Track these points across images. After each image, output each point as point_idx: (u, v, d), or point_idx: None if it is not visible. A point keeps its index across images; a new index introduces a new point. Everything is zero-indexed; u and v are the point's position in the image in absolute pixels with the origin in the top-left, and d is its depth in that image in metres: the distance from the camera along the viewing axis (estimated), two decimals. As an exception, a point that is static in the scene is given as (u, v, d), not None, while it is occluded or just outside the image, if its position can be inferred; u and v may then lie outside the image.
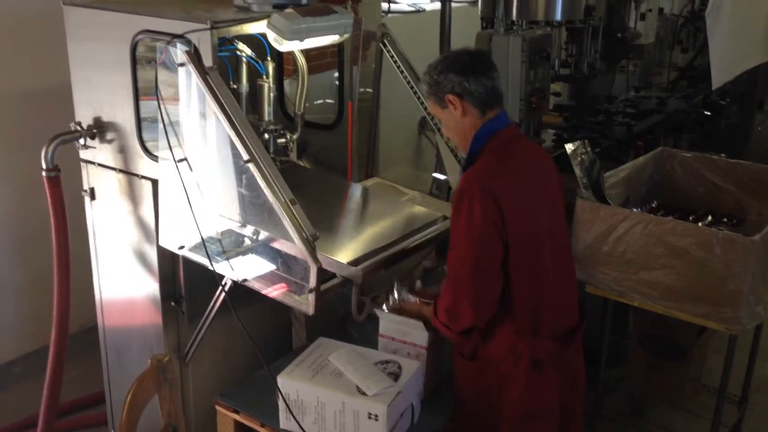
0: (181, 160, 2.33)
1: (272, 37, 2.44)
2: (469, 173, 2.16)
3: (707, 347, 3.38)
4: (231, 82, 2.63)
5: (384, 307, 2.48)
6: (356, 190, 2.96)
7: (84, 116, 2.66)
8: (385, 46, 2.95)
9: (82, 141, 2.65)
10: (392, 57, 2.93)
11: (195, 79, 2.24)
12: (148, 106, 2.49)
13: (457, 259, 2.15)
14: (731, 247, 2.46)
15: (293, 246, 2.15)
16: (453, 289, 2.18)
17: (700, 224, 2.90)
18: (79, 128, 2.64)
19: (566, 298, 2.33)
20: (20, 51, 3.45)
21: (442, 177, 3.13)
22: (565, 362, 2.29)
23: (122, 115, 2.55)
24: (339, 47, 2.95)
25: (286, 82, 3.20)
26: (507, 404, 2.24)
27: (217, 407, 2.47)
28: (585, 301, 2.45)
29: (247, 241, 2.39)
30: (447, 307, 2.20)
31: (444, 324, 2.23)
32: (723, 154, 3.23)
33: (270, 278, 2.29)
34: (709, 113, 4.48)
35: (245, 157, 2.16)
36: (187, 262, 2.46)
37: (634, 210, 2.88)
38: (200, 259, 2.37)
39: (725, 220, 3.03)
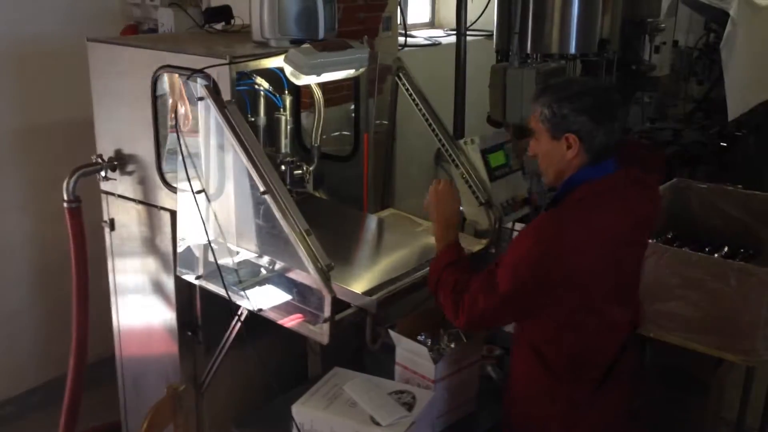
0: (199, 192, 2.37)
1: (289, 71, 2.49)
2: (548, 220, 2.07)
3: (725, 379, 3.34)
4: (249, 115, 2.67)
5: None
6: (372, 221, 2.98)
7: (105, 149, 2.71)
8: (400, 79, 2.98)
9: (103, 173, 2.70)
10: (407, 90, 2.97)
11: (214, 112, 2.28)
12: (167, 139, 2.54)
13: (492, 281, 2.07)
14: (747, 279, 2.46)
15: (308, 276, 2.17)
16: (468, 302, 2.11)
17: (716, 255, 2.90)
18: (100, 160, 2.69)
19: (613, 340, 2.20)
20: (44, 85, 3.53)
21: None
22: (604, 400, 2.18)
23: (142, 147, 2.60)
24: (355, 80, 2.99)
25: (303, 115, 3.24)
26: None
27: (233, 437, 2.48)
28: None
29: (263, 272, 2.41)
30: (451, 293, 2.15)
31: (437, 281, 2.19)
32: (739, 186, 3.23)
33: (285, 308, 2.31)
34: (725, 144, 4.49)
35: (262, 188, 2.19)
36: (204, 292, 2.49)
37: (650, 241, 2.88)
38: (217, 289, 2.39)
39: (741, 251, 3.02)
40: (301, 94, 3.16)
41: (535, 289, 2.02)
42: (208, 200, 2.39)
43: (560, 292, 2.02)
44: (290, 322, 2.27)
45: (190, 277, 2.49)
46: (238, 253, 2.38)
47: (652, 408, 3.40)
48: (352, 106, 3.12)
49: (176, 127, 2.37)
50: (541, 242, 2.01)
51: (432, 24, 6.27)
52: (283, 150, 2.76)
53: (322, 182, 2.99)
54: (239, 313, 2.42)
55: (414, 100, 2.97)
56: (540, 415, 2.17)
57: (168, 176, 2.56)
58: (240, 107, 2.35)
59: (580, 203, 2.08)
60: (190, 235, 2.43)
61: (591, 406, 2.17)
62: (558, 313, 2.06)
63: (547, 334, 2.09)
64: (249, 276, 2.43)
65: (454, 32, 4.05)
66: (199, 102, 2.31)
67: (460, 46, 3.92)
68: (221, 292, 2.36)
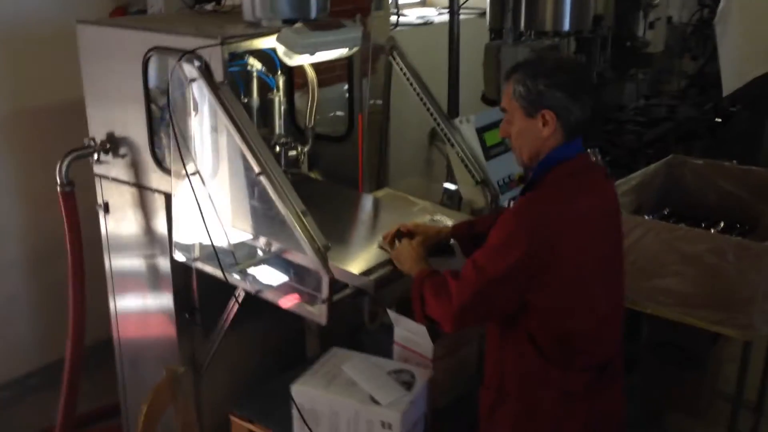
0: (193, 174, 2.36)
1: (282, 51, 2.47)
2: (527, 205, 2.03)
3: (722, 354, 3.37)
4: (242, 97, 2.65)
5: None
6: (367, 201, 2.98)
7: (97, 132, 2.69)
8: (394, 58, 2.97)
9: (95, 156, 2.68)
10: (401, 69, 2.95)
11: (206, 94, 2.27)
12: (160, 121, 2.52)
13: (477, 267, 2.02)
14: (744, 254, 2.46)
15: (305, 257, 2.16)
16: (456, 288, 2.04)
17: (712, 231, 2.90)
18: (92, 143, 2.67)
19: (606, 333, 2.16)
20: (35, 68, 3.50)
21: (452, 187, 3.14)
22: (598, 393, 2.12)
23: (135, 130, 2.58)
24: (348, 60, 2.98)
25: (297, 96, 3.23)
26: None
27: (232, 418, 2.48)
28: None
29: (260, 253, 2.41)
30: (437, 290, 2.08)
31: (422, 297, 2.12)
32: (734, 161, 3.23)
33: (283, 289, 2.30)
34: (720, 120, 4.48)
35: (257, 169, 2.18)
36: (201, 274, 2.48)
37: (646, 218, 2.88)
38: (214, 270, 2.39)
39: (738, 226, 3.02)
40: (294, 74, 3.14)
41: (522, 274, 1.97)
42: (203, 182, 2.38)
43: (547, 275, 1.98)
44: (288, 303, 2.27)
45: (186, 260, 2.48)
46: (234, 234, 2.38)
47: (649, 383, 3.43)
48: (346, 86, 3.10)
49: (169, 109, 2.35)
50: (524, 227, 1.96)
51: (423, 2, 6.22)
52: (277, 131, 2.74)
53: (316, 163, 2.98)
54: (236, 294, 2.41)
55: (408, 79, 2.96)
56: (532, 403, 2.10)
57: (161, 158, 2.55)
58: (233, 88, 2.34)
59: (558, 184, 2.04)
60: (186, 217, 2.43)
61: (584, 399, 2.10)
62: (546, 295, 2.01)
63: (538, 318, 2.03)
64: (245, 258, 2.42)
65: (447, 11, 4.02)
66: (191, 83, 2.29)
67: (453, 25, 3.88)
68: (218, 274, 2.35)
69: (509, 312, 2.04)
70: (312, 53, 2.52)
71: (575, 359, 2.07)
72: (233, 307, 2.47)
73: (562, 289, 2.01)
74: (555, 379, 2.06)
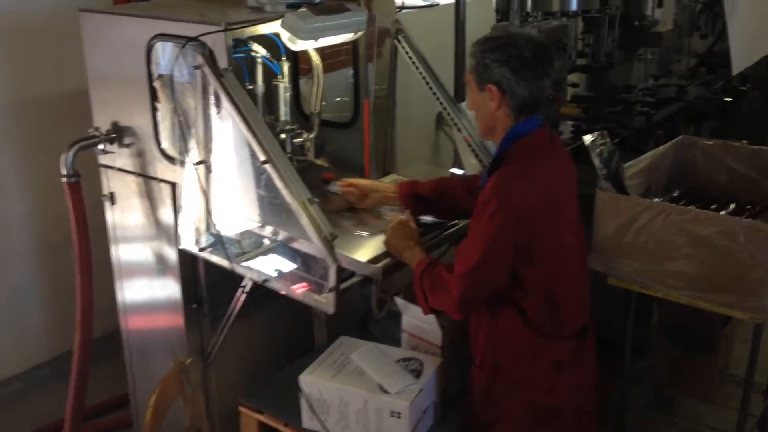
0: (199, 163, 2.34)
1: (286, 36, 2.44)
2: (501, 182, 2.08)
3: (733, 337, 3.34)
4: (246, 83, 2.63)
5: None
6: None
7: (102, 121, 2.68)
8: (399, 42, 2.93)
9: (101, 146, 2.66)
10: (407, 53, 2.92)
11: (210, 81, 2.25)
12: (164, 110, 2.50)
13: (466, 254, 2.10)
14: (755, 235, 2.43)
15: (312, 245, 2.15)
16: (453, 279, 2.12)
17: (722, 213, 2.87)
18: (97, 133, 2.65)
19: (583, 297, 2.31)
20: (39, 57, 3.48)
21: (459, 172, 3.11)
22: (581, 360, 2.28)
23: (139, 119, 2.56)
24: (354, 45, 2.94)
25: (302, 81, 3.19)
26: (525, 406, 2.22)
27: (241, 408, 2.48)
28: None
29: (267, 242, 2.39)
30: (435, 282, 2.15)
31: (423, 290, 2.18)
32: (745, 141, 3.18)
33: (290, 278, 2.29)
34: (729, 99, 4.43)
35: (262, 158, 2.17)
36: (208, 264, 2.47)
37: (656, 200, 2.85)
38: (220, 260, 2.37)
39: (748, 207, 2.99)
40: (299, 60, 3.11)
41: (510, 247, 2.06)
42: (209, 171, 2.36)
43: (533, 246, 2.08)
44: (295, 292, 2.25)
45: (193, 250, 2.47)
46: (240, 224, 2.36)
47: (660, 366, 3.42)
48: (351, 72, 3.07)
49: (173, 97, 2.33)
50: (504, 202, 2.04)
51: (429, -16, 6.15)
52: (282, 118, 2.72)
53: (322, 150, 2.96)
54: (243, 284, 2.40)
55: (414, 63, 2.93)
56: (526, 375, 2.20)
57: (166, 147, 2.53)
58: (237, 75, 2.31)
59: (524, 159, 2.11)
60: (192, 206, 2.41)
61: (570, 367, 2.22)
62: (535, 268, 2.11)
63: (529, 290, 2.13)
64: (252, 247, 2.41)
65: (453, -8, 3.97)
66: (195, 70, 2.27)
67: (459, 6, 3.83)
68: (224, 264, 2.34)
69: (504, 287, 2.12)
70: (316, 38, 2.50)
71: (561, 327, 2.20)
72: (240, 297, 2.45)
73: (547, 259, 2.12)
74: (545, 349, 2.18)
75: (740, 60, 3.84)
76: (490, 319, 2.21)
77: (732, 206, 3.00)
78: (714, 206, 2.97)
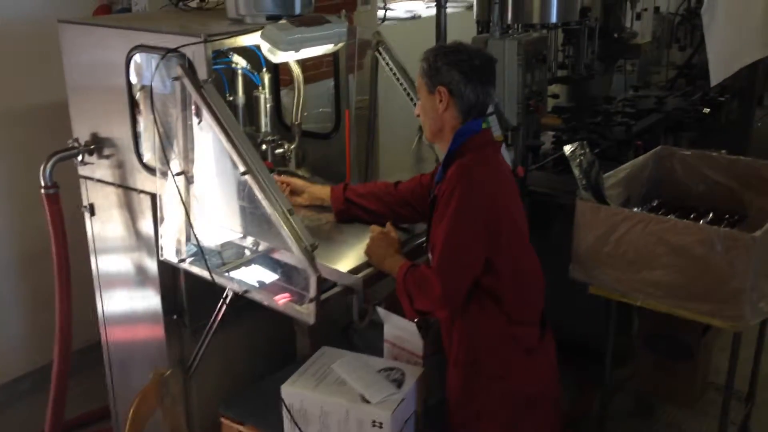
0: (179, 174, 2.34)
1: (266, 48, 2.45)
2: (463, 170, 2.18)
3: (713, 345, 3.37)
4: (227, 94, 2.63)
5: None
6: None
7: (81, 132, 2.67)
8: (380, 53, 2.95)
9: (80, 157, 2.65)
10: (388, 65, 2.94)
11: (190, 92, 2.25)
12: (144, 121, 2.50)
13: (441, 245, 2.15)
14: (733, 245, 2.45)
15: (293, 256, 2.15)
16: (434, 275, 2.15)
17: (701, 222, 2.90)
18: (76, 145, 2.65)
19: (540, 282, 2.38)
20: (18, 69, 3.46)
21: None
22: (547, 348, 2.37)
23: (119, 130, 2.56)
24: (335, 56, 2.96)
25: (283, 93, 3.20)
26: (503, 398, 2.27)
27: (222, 419, 2.47)
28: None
29: (248, 253, 2.39)
30: (418, 281, 2.18)
31: (408, 293, 2.21)
32: (723, 151, 3.22)
33: (271, 289, 2.29)
34: (708, 110, 4.47)
35: (242, 168, 2.17)
36: (189, 275, 2.46)
37: (635, 210, 2.87)
38: (201, 271, 2.37)
39: (727, 217, 3.02)
40: (279, 71, 3.12)
41: (483, 235, 2.14)
42: (189, 182, 2.36)
43: (501, 232, 2.17)
44: (276, 302, 2.25)
45: (173, 261, 2.46)
46: (221, 235, 2.36)
47: (641, 374, 3.43)
48: (332, 83, 3.08)
49: (153, 108, 2.33)
50: (467, 191, 2.13)
51: (411, -4, 6.19)
52: (263, 129, 2.73)
53: (304, 160, 2.97)
54: (224, 295, 2.40)
55: (395, 74, 2.94)
56: (503, 365, 2.26)
57: (146, 159, 2.52)
58: (217, 86, 2.32)
59: (477, 152, 2.22)
60: (172, 217, 2.40)
61: (540, 353, 2.32)
62: (507, 258, 2.20)
63: (500, 275, 2.20)
64: (233, 257, 2.40)
65: (434, 4, 4.00)
66: (174, 82, 2.27)
67: (440, 19, 3.86)
68: (205, 274, 2.33)
69: (480, 272, 2.19)
70: (297, 50, 2.50)
71: (530, 312, 2.32)
72: (221, 308, 2.45)
73: (512, 242, 2.22)
74: (519, 337, 2.26)
75: (718, 71, 3.88)
76: (464, 313, 2.24)
77: (710, 216, 3.03)
78: (693, 216, 3.00)
